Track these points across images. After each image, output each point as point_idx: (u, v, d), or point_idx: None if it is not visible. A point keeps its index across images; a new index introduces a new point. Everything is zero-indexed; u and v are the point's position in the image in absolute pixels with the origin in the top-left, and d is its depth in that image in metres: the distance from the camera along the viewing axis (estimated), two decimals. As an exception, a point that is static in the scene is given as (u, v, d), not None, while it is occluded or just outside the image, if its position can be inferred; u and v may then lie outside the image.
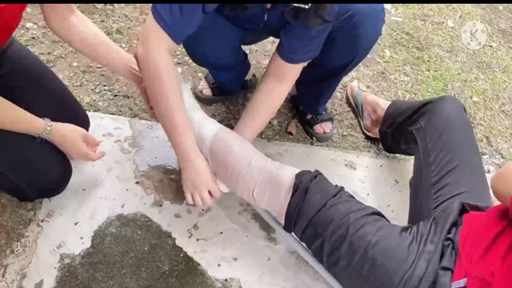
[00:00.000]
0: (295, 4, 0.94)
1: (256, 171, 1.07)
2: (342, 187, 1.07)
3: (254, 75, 1.64)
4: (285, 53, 1.14)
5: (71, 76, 1.52)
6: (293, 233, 1.08)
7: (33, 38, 1.60)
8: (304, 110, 1.56)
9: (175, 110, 1.02)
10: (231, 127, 1.50)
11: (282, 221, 1.06)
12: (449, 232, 0.92)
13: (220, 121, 1.51)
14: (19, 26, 1.60)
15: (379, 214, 1.03)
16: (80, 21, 1.12)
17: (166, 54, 0.99)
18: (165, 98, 1.00)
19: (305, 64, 1.18)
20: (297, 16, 1.04)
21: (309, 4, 0.94)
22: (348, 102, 1.69)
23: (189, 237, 1.19)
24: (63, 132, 1.08)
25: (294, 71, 1.18)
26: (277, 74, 1.18)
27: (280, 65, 1.16)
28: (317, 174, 1.07)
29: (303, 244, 1.09)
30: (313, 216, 0.99)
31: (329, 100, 1.68)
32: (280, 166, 1.09)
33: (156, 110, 1.05)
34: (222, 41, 1.22)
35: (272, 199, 1.06)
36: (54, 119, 1.09)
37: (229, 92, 1.57)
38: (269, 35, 1.40)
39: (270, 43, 1.81)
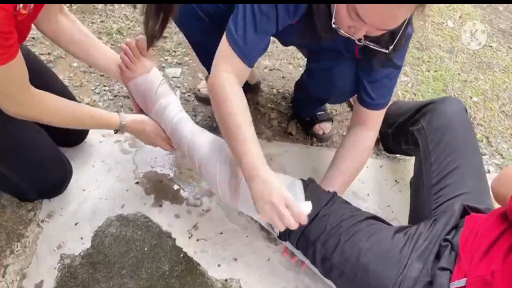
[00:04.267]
0: (372, 46, 0.92)
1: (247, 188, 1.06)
2: (335, 193, 1.07)
3: (257, 79, 1.63)
4: (363, 99, 1.14)
5: (71, 77, 1.52)
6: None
7: (33, 38, 1.60)
8: (296, 111, 1.58)
9: (243, 126, 0.93)
10: (231, 127, 1.51)
11: (277, 230, 1.07)
12: (448, 234, 0.92)
13: (220, 122, 1.52)
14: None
15: (374, 217, 1.03)
16: (68, 20, 1.10)
17: (233, 77, 0.96)
18: (233, 117, 0.93)
19: (385, 109, 1.16)
20: (366, 54, 1.04)
21: (390, 49, 0.93)
22: (348, 102, 1.69)
23: (189, 237, 1.19)
24: (139, 119, 1.15)
25: (376, 116, 1.16)
26: (360, 122, 1.18)
27: (361, 112, 1.16)
28: (309, 183, 1.07)
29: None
30: (306, 227, 0.99)
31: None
32: None
33: (224, 131, 0.97)
34: None
35: None
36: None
37: None
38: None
39: (271, 43, 1.81)
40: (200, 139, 1.13)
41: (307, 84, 1.35)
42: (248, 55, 0.97)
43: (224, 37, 0.96)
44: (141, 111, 1.21)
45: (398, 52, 1.00)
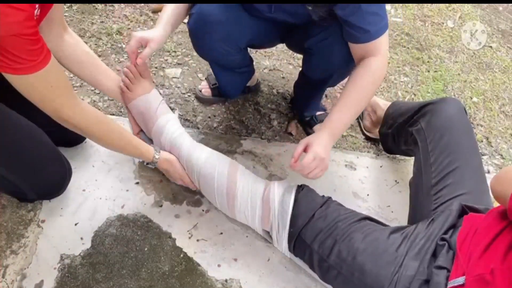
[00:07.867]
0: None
1: (245, 196, 1.11)
2: (330, 197, 1.08)
3: (257, 80, 1.63)
4: (356, 36, 1.05)
5: (72, 77, 1.52)
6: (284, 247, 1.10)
7: (33, 38, 1.60)
8: (296, 111, 1.58)
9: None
10: (231, 127, 1.51)
11: (274, 235, 1.09)
12: (446, 233, 0.93)
13: (220, 122, 1.52)
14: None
15: (369, 218, 1.04)
16: (72, 39, 1.12)
17: None
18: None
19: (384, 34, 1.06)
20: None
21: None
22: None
23: (189, 237, 1.19)
24: (169, 159, 1.19)
25: (377, 44, 1.05)
26: (365, 55, 1.09)
27: (359, 49, 1.08)
28: (304, 187, 1.09)
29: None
30: (301, 229, 1.01)
31: (329, 101, 1.68)
32: (267, 184, 1.13)
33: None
34: (230, 36, 1.19)
35: (263, 216, 1.10)
36: (54, 120, 1.08)
37: (229, 96, 1.56)
38: (279, 36, 1.37)
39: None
40: (198, 153, 1.17)
41: (309, 66, 1.34)
42: None
43: None
44: (141, 131, 1.24)
45: None
